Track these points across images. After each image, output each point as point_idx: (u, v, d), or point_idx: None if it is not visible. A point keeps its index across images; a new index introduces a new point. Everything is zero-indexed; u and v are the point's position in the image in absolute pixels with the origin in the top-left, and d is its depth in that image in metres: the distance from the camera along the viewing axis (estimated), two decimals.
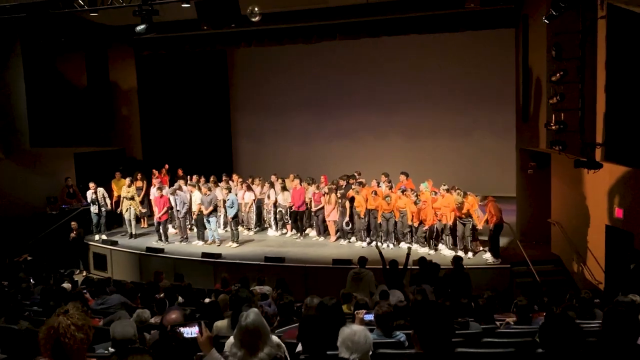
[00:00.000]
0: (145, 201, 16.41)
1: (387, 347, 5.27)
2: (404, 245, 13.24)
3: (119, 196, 15.89)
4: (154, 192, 15.53)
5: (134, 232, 15.69)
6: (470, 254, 12.91)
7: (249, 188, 15.69)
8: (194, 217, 15.23)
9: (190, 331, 3.74)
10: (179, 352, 2.62)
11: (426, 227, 13.38)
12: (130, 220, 15.63)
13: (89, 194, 15.44)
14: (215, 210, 14.88)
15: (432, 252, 13.22)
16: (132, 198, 15.56)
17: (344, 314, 6.12)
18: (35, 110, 15.74)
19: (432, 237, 13.48)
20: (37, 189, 16.07)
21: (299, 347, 4.51)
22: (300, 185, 15.05)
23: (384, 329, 5.65)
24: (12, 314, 6.77)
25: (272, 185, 15.66)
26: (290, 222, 15.48)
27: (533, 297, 8.69)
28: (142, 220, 16.63)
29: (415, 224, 13.57)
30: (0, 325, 6.51)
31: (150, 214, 16.34)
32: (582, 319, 6.51)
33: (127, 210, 15.54)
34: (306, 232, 15.44)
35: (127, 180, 15.79)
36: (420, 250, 13.26)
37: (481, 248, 13.20)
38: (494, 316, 7.37)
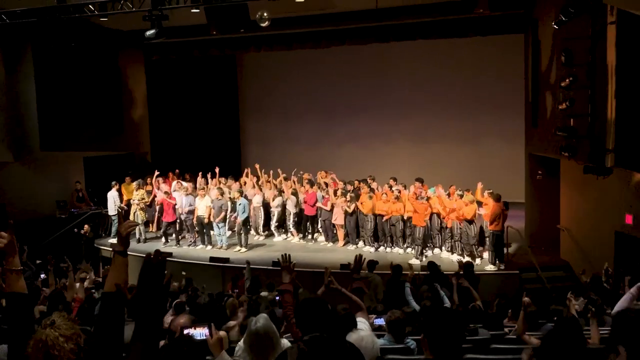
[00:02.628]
0: (154, 205, 16.45)
1: (396, 352, 5.25)
2: (413, 252, 13.27)
3: (129, 200, 15.95)
4: (160, 195, 15.58)
5: (142, 237, 15.74)
6: (478, 260, 12.83)
7: (260, 189, 15.67)
8: (194, 221, 15.19)
9: (200, 333, 3.72)
10: (190, 356, 2.61)
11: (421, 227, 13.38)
12: (138, 225, 15.67)
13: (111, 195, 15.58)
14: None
15: (443, 255, 13.21)
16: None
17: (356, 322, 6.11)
18: (45, 114, 15.82)
19: (429, 241, 13.53)
20: (47, 192, 16.14)
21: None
22: (312, 189, 15.10)
23: (395, 334, 5.63)
24: None
25: (280, 193, 15.59)
26: (293, 228, 15.42)
27: (542, 303, 8.64)
28: (150, 224, 16.66)
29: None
30: None
31: (157, 218, 16.39)
32: None
33: (135, 213, 15.61)
34: (315, 237, 15.44)
35: (136, 184, 15.86)
36: (429, 254, 13.25)
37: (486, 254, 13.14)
38: (503, 322, 7.35)
